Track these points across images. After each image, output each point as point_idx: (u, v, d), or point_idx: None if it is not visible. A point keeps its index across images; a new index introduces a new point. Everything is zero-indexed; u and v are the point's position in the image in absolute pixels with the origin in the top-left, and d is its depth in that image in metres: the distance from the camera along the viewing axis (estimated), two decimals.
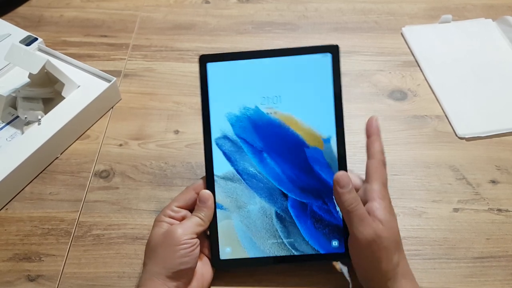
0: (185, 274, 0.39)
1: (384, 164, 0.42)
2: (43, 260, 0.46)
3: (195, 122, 0.58)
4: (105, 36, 0.69)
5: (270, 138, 0.42)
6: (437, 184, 0.52)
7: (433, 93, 0.61)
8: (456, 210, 0.50)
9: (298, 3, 0.75)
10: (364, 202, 0.39)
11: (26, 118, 0.53)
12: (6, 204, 0.50)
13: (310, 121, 0.42)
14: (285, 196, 0.43)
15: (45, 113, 0.54)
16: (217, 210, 0.42)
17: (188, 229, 0.39)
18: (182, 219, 0.41)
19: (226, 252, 0.42)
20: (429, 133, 0.57)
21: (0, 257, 0.46)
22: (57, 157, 0.54)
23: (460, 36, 0.69)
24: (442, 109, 0.59)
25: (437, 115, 0.59)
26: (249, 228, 0.42)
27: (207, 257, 0.43)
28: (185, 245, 0.38)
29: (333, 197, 0.40)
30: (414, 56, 0.66)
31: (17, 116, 0.54)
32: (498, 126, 0.57)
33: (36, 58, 0.52)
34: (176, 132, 0.57)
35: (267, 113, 0.42)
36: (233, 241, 0.42)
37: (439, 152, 0.55)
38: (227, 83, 0.42)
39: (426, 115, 0.59)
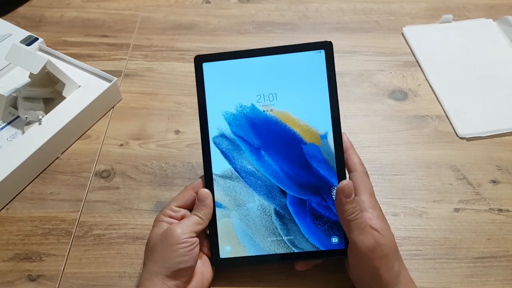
0: (184, 273, 0.39)
1: (366, 174, 0.43)
2: (43, 260, 0.46)
3: (195, 122, 0.57)
4: (106, 36, 0.69)
5: (267, 136, 0.43)
6: (438, 184, 0.52)
7: (434, 93, 0.61)
8: (456, 210, 0.50)
9: (299, 3, 0.75)
10: None
11: (26, 118, 0.53)
12: (7, 204, 0.50)
13: (307, 117, 0.42)
14: (284, 193, 0.43)
15: (46, 113, 0.54)
16: (216, 209, 0.42)
17: (187, 228, 0.39)
18: (182, 218, 0.41)
19: (226, 250, 0.42)
20: (429, 133, 0.57)
21: (1, 257, 0.46)
22: (58, 157, 0.54)
23: (460, 36, 0.69)
24: (443, 109, 0.59)
25: (437, 115, 0.59)
26: (248, 226, 0.43)
27: (207, 256, 0.43)
28: (184, 244, 0.38)
29: (334, 200, 0.40)
30: (414, 56, 0.66)
31: (18, 116, 0.54)
32: (498, 126, 0.57)
33: (37, 58, 0.52)
34: (177, 132, 0.57)
35: (264, 111, 0.43)
36: (233, 240, 0.42)
37: (440, 152, 0.55)
38: (223, 82, 0.43)
39: (427, 115, 0.59)
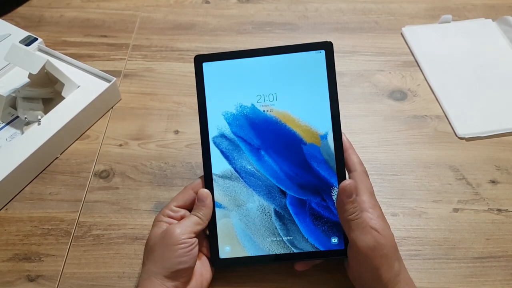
0: (183, 274, 0.39)
1: (366, 174, 0.43)
2: (43, 260, 0.46)
3: (195, 122, 0.57)
4: (105, 36, 0.69)
5: (267, 136, 0.43)
6: (437, 184, 0.52)
7: (433, 93, 0.61)
8: (456, 210, 0.50)
9: (298, 3, 0.75)
10: None
11: (26, 118, 0.53)
12: (6, 204, 0.50)
13: (307, 117, 0.42)
14: (284, 193, 0.43)
15: (45, 113, 0.54)
16: (216, 209, 0.42)
17: (186, 228, 0.39)
18: (181, 218, 0.41)
19: (226, 251, 0.42)
20: (429, 133, 0.57)
21: (0, 257, 0.46)
22: (57, 157, 0.54)
23: (460, 36, 0.69)
24: (442, 109, 0.59)
25: (437, 115, 0.59)
26: (248, 227, 0.42)
27: (206, 256, 0.43)
28: (183, 245, 0.38)
29: (335, 199, 0.40)
30: (414, 56, 0.66)
31: (17, 116, 0.54)
32: (498, 126, 0.57)
33: (36, 58, 0.52)
34: (176, 132, 0.57)
35: (264, 111, 0.43)
36: (232, 240, 0.42)
37: (439, 152, 0.55)
38: (223, 82, 0.43)
39: (426, 115, 0.59)
